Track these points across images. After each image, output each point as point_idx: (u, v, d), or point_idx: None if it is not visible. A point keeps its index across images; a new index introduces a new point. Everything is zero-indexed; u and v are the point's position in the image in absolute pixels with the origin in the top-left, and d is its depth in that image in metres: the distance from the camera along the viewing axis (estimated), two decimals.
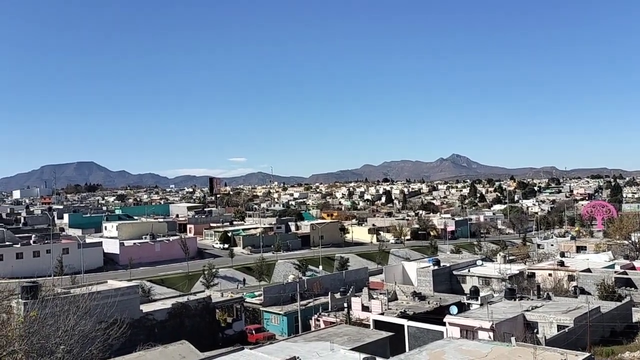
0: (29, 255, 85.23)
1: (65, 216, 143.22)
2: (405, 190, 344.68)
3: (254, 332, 52.95)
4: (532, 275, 61.76)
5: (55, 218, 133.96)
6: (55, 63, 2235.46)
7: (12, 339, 22.36)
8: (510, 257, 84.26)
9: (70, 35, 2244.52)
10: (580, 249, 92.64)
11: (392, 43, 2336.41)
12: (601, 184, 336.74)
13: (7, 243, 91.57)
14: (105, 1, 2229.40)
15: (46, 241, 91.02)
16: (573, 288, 54.97)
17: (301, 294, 56.48)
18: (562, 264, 64.76)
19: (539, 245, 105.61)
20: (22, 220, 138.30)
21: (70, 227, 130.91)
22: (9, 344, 21.93)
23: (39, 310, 24.48)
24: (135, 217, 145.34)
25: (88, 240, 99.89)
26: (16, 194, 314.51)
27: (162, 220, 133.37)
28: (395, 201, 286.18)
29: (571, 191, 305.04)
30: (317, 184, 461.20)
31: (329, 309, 53.39)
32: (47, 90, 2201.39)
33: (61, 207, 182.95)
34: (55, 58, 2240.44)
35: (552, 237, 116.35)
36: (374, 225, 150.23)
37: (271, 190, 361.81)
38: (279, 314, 55.64)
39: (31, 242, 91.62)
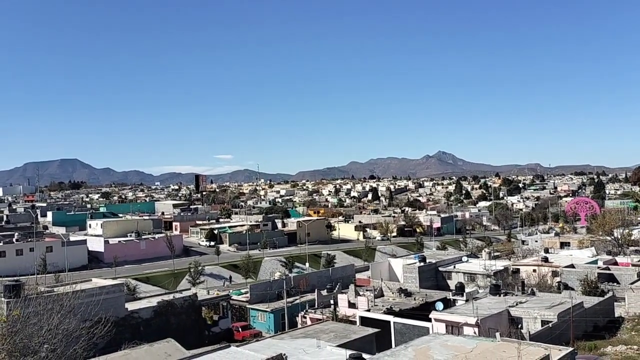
0: (12, 253, 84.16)
1: (49, 214, 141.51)
2: (392, 187, 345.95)
3: (240, 329, 52.80)
4: (517, 271, 62.32)
5: (39, 216, 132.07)
6: (39, 60, 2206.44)
7: None
8: (495, 254, 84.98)
9: (55, 32, 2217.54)
10: (564, 245, 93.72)
11: (378, 41, 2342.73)
12: (584, 180, 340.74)
13: None
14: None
15: (29, 239, 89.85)
16: (557, 284, 55.64)
17: (288, 291, 56.44)
18: (546, 260, 65.46)
19: (523, 242, 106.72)
20: (5, 219, 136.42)
21: (54, 225, 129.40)
22: None
23: (21, 309, 24.17)
24: (120, 215, 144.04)
25: (72, 238, 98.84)
26: None
27: (147, 217, 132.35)
28: (382, 198, 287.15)
29: (555, 188, 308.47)
30: (303, 181, 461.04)
31: (316, 306, 53.43)
32: (29, 87, 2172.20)
33: (45, 204, 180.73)
34: (39, 55, 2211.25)
35: (536, 234, 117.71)
36: (360, 222, 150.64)
37: (257, 188, 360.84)
38: (265, 311, 55.56)
39: (14, 240, 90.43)
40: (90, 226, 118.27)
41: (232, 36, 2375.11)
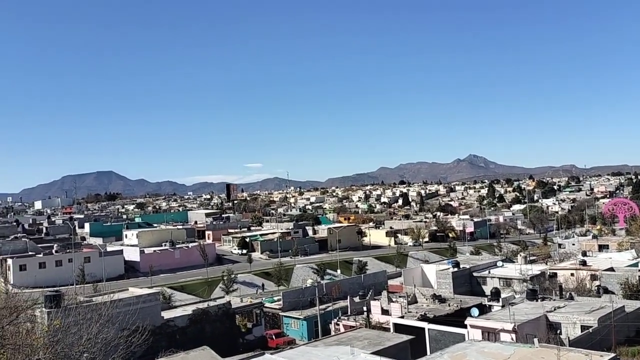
0: (52, 264, 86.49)
1: (86, 225, 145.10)
2: (422, 192, 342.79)
3: (274, 337, 53.02)
4: (554, 275, 60.91)
5: (77, 227, 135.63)
6: (76, 78, 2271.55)
7: (36, 347, 22.67)
8: (531, 258, 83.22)
9: (92, 53, 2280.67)
10: (602, 248, 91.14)
11: (408, 43, 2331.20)
12: (622, 181, 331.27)
13: (30, 253, 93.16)
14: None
15: (68, 250, 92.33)
16: (596, 287, 54.09)
17: (320, 298, 56.41)
18: (584, 263, 63.82)
19: (560, 245, 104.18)
20: (44, 231, 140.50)
21: (92, 236, 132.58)
22: (33, 352, 22.24)
23: (62, 319, 24.79)
24: (155, 225, 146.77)
25: (109, 249, 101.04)
26: (38, 205, 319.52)
27: (181, 227, 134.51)
28: (413, 203, 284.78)
29: (592, 189, 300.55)
30: (333, 188, 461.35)
31: (348, 313, 53.26)
32: (66, 102, 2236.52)
33: (82, 216, 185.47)
34: (75, 73, 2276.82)
35: (573, 237, 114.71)
36: (391, 228, 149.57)
37: (287, 195, 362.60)
38: (298, 318, 55.64)
39: (53, 251, 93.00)
40: (126, 236, 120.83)
41: (261, 47, 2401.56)
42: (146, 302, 44.89)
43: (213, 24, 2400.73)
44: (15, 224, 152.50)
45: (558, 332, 37.76)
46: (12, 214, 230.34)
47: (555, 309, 40.92)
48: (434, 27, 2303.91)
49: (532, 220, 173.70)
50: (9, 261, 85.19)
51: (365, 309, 51.48)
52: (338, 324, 51.01)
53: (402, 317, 46.14)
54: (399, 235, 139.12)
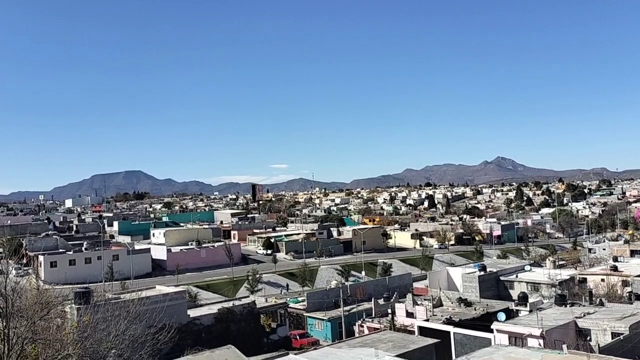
0: (81, 261, 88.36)
1: (115, 224, 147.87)
2: (449, 194, 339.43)
3: (298, 337, 53.11)
4: (584, 280, 59.67)
5: (106, 225, 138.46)
6: (103, 77, 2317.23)
7: (66, 343, 23.18)
8: (560, 262, 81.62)
9: (122, 51, 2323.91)
10: (634, 253, 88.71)
11: (434, 43, 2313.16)
12: None
13: (61, 250, 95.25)
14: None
15: (97, 248, 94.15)
16: (627, 294, 52.70)
17: (344, 299, 56.31)
18: (615, 268, 62.32)
19: (590, 250, 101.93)
20: (75, 228, 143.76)
21: (120, 234, 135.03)
22: (63, 348, 22.74)
23: (91, 316, 25.28)
24: (182, 224, 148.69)
25: (137, 247, 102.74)
26: (68, 203, 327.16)
27: (207, 226, 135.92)
28: (439, 205, 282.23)
29: (623, 193, 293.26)
30: (358, 189, 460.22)
31: (373, 315, 53.03)
32: (95, 102, 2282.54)
33: (111, 214, 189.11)
34: (103, 72, 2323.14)
35: (604, 241, 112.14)
36: (416, 230, 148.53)
37: (312, 196, 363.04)
38: (322, 319, 55.64)
39: (83, 249, 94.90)
40: (153, 235, 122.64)
41: (286, 49, 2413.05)
42: (172, 300, 45.41)
43: (249, 20, 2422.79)
44: (46, 221, 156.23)
45: (587, 338, 36.89)
46: (44, 211, 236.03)
47: (584, 315, 40.01)
48: (465, 29, 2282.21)
49: (562, 224, 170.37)
50: (41, 258, 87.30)
51: (389, 311, 51.17)
52: (362, 326, 50.84)
53: (427, 320, 45.72)
54: (424, 237, 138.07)
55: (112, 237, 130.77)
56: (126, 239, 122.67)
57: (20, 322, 22.79)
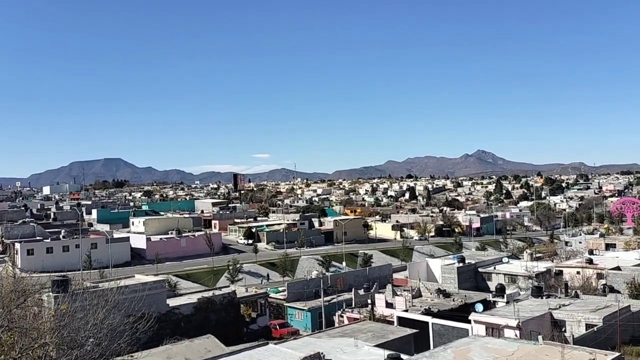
0: (59, 249, 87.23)
1: (94, 212, 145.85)
2: (430, 186, 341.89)
3: (278, 327, 53.25)
4: (560, 273, 60.71)
5: (84, 213, 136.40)
6: (82, 64, 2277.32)
7: (43, 331, 22.87)
8: (537, 255, 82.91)
9: (101, 39, 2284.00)
10: (609, 247, 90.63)
11: (418, 36, 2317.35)
12: (631, 180, 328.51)
13: (38, 238, 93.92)
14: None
15: (75, 236, 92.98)
16: (602, 286, 53.87)
17: (325, 289, 56.55)
18: (590, 261, 63.52)
19: (566, 243, 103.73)
20: (52, 216, 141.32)
21: (99, 222, 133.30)
22: (40, 336, 22.43)
23: (69, 304, 24.98)
24: (162, 213, 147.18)
25: (116, 236, 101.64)
26: (46, 190, 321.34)
27: (187, 216, 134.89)
28: (419, 197, 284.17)
29: (600, 187, 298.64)
30: (340, 180, 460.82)
31: (353, 305, 53.38)
32: (75, 89, 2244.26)
33: (89, 202, 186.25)
34: (82, 60, 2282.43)
35: (580, 235, 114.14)
36: (397, 221, 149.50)
37: (294, 187, 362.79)
38: (302, 309, 55.84)
39: (61, 237, 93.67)
40: (132, 224, 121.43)
41: (266, 39, 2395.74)
42: (152, 289, 45.16)
43: (232, 10, 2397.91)
44: (23, 208, 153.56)
45: (563, 330, 37.66)
46: (21, 198, 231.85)
47: (560, 307, 40.80)
48: (444, 20, 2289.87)
49: (539, 217, 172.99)
50: (17, 245, 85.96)
51: (369, 301, 51.60)
52: (342, 316, 51.17)
53: (406, 310, 46.20)
54: (405, 229, 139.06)
55: (90, 225, 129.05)
56: (105, 228, 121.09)
57: None
